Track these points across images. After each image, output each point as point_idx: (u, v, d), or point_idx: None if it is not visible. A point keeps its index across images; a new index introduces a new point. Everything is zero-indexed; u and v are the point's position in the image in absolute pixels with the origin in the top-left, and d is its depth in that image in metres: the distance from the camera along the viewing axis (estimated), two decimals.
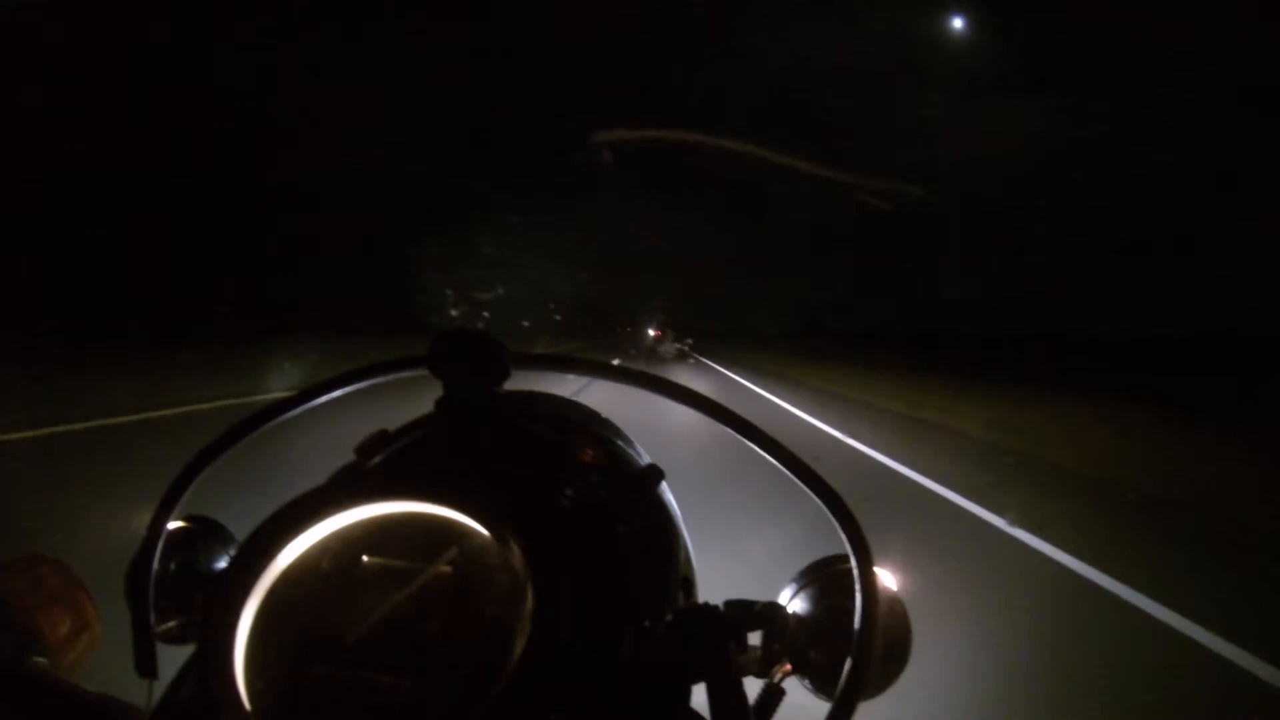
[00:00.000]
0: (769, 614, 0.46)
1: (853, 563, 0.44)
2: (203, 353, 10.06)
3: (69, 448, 4.83)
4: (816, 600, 0.47)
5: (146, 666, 0.44)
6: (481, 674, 0.34)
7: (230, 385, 8.15)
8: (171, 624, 0.47)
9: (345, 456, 0.50)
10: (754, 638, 0.47)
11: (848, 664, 0.41)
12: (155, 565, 0.45)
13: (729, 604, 0.46)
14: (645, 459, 0.60)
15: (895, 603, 0.47)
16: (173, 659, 0.43)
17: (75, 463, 4.42)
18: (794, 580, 0.49)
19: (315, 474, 0.50)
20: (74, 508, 3.05)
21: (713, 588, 0.54)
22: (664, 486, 0.55)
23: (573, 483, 0.48)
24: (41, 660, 0.47)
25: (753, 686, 0.45)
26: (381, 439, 0.50)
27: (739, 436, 0.50)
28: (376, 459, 0.49)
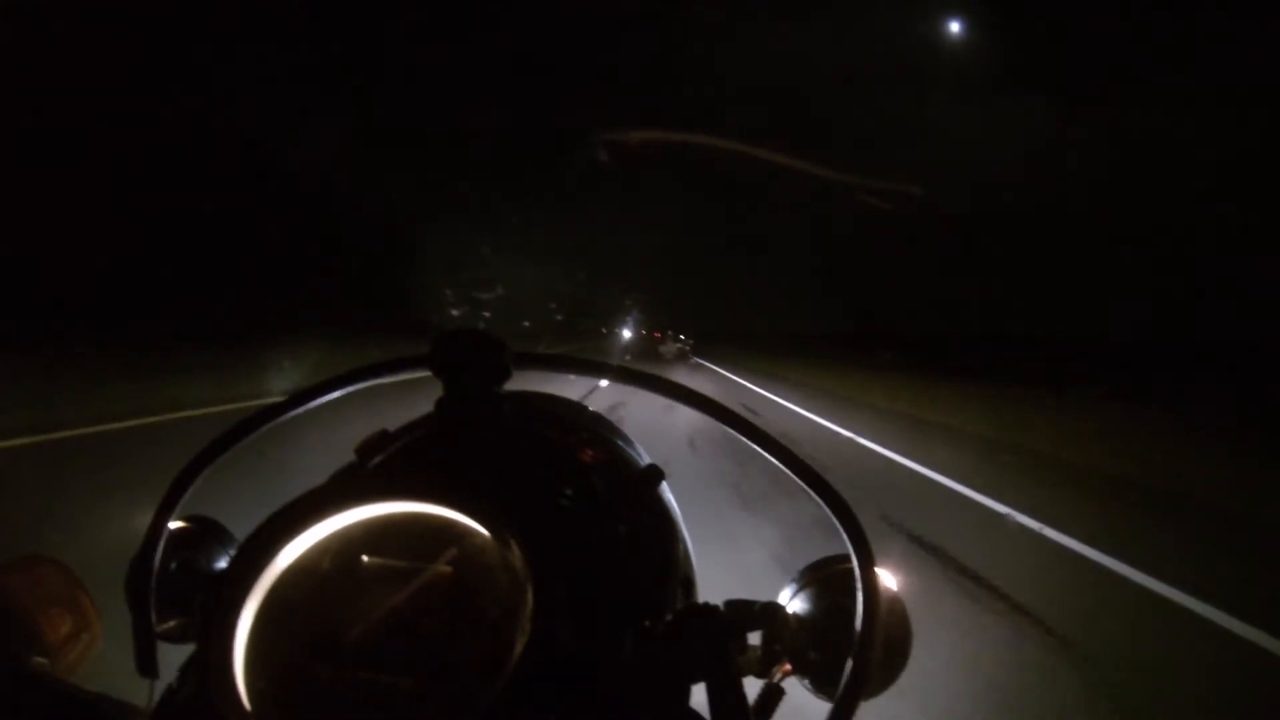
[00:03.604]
0: (769, 614, 0.46)
1: (853, 562, 0.44)
2: (202, 353, 10.04)
3: (61, 456, 4.76)
4: (817, 600, 0.47)
5: (146, 666, 0.44)
6: (481, 674, 0.34)
7: (230, 387, 8.14)
8: (171, 624, 0.47)
9: (346, 456, 0.50)
10: (754, 638, 0.47)
11: (848, 664, 0.41)
12: (155, 565, 0.45)
13: (729, 604, 0.46)
14: (645, 459, 0.60)
15: (895, 603, 0.46)
16: (173, 659, 0.43)
17: (67, 474, 4.33)
18: (794, 580, 0.49)
19: (317, 474, 0.50)
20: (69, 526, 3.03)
21: (713, 587, 0.54)
22: (664, 487, 0.55)
23: (573, 483, 0.48)
24: (41, 660, 0.47)
25: (753, 686, 0.44)
26: (382, 439, 0.50)
27: (741, 437, 0.50)
28: (377, 459, 0.49)
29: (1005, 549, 3.88)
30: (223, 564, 0.49)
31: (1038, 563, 3.65)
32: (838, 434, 8.14)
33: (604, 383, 0.59)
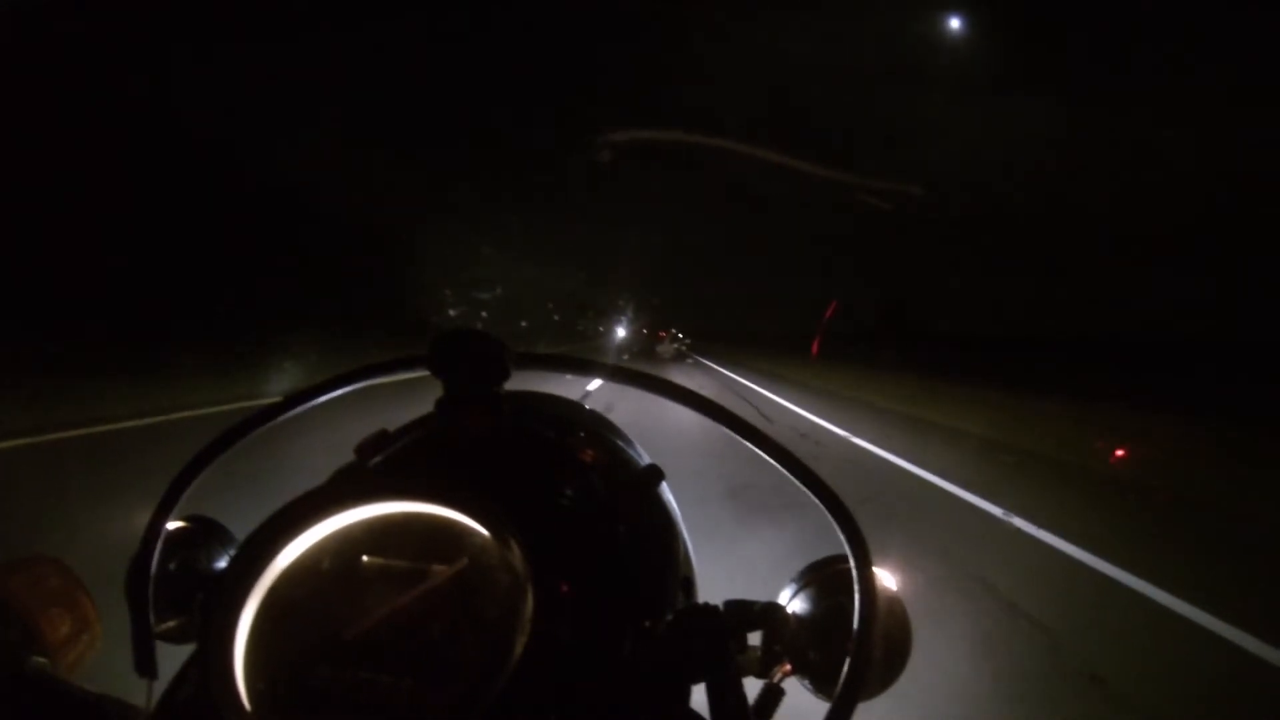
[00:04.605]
0: (769, 614, 0.46)
1: (851, 563, 0.44)
2: (202, 354, 10.04)
3: (61, 456, 4.74)
4: (816, 600, 0.47)
5: (146, 666, 0.44)
6: (481, 674, 0.34)
7: (229, 388, 8.14)
8: (171, 624, 0.47)
9: (346, 456, 0.50)
10: (754, 638, 0.47)
11: (847, 664, 0.41)
12: (155, 565, 0.45)
13: (729, 604, 0.46)
14: (645, 459, 0.60)
15: (895, 603, 0.46)
16: (173, 659, 0.43)
17: (69, 473, 4.31)
18: (794, 580, 0.49)
19: (317, 473, 0.50)
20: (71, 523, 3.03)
21: (713, 586, 0.54)
22: (664, 487, 0.55)
23: (573, 483, 0.48)
24: (41, 660, 0.47)
25: (753, 686, 0.45)
26: (382, 439, 0.50)
27: (738, 438, 0.50)
28: (377, 459, 0.49)
29: (1001, 547, 3.88)
30: (222, 564, 0.49)
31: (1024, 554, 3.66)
32: (837, 434, 8.15)
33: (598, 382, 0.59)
